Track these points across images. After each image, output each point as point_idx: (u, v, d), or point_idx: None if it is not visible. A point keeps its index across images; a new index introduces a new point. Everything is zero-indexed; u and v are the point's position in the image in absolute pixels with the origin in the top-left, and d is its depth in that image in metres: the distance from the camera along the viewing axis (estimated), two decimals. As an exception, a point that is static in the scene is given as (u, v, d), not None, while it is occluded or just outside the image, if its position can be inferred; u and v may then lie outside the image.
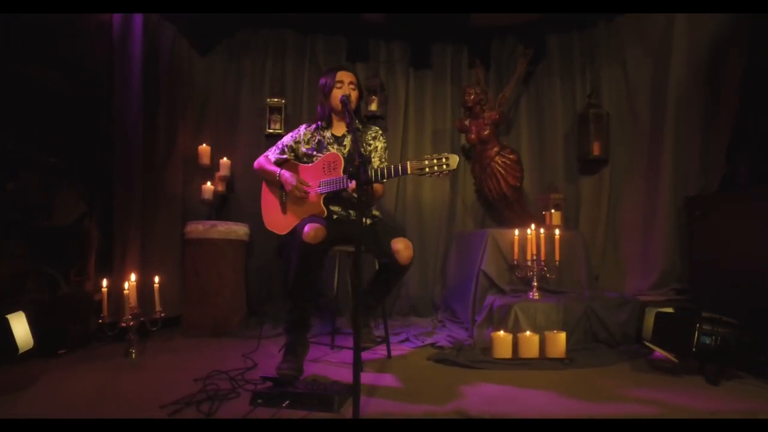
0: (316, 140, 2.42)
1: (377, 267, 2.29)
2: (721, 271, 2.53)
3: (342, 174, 2.22)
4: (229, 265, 3.06)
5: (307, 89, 3.64)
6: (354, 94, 2.31)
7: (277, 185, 2.46)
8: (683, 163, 2.78)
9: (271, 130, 3.45)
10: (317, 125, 2.45)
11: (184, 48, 3.35)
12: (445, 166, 1.92)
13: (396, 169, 2.01)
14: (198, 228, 3.03)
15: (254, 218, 3.31)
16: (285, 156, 2.47)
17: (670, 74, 2.82)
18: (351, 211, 2.34)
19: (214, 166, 3.34)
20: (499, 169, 3.17)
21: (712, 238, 2.63)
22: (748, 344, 2.01)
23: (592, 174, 3.40)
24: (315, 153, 2.39)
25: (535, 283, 2.74)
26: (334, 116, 2.41)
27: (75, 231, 2.65)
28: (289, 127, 3.55)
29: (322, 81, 2.39)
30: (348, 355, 2.40)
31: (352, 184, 2.08)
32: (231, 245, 3.08)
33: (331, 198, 2.30)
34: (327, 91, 2.35)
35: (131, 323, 2.33)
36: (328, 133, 2.41)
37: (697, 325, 2.03)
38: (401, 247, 2.09)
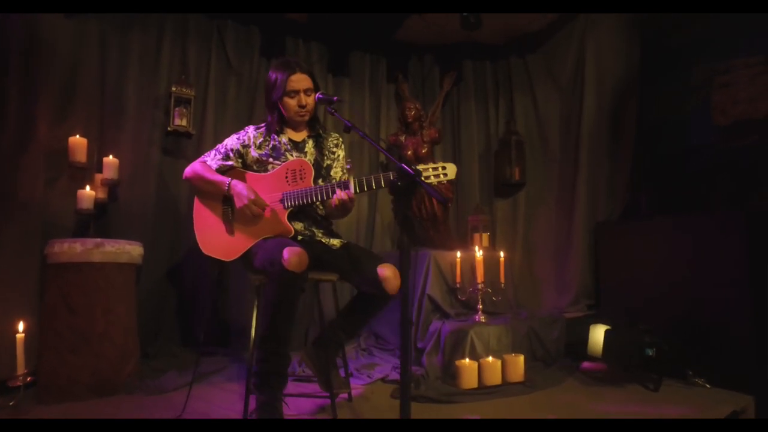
0: (270, 145, 2.00)
1: (355, 296, 1.97)
2: (625, 288, 2.89)
3: (312, 184, 1.88)
4: (120, 296, 2.32)
5: (213, 83, 3.05)
6: (311, 101, 1.96)
7: (218, 198, 1.95)
8: (594, 191, 3.13)
9: (176, 126, 2.77)
10: (267, 127, 2.03)
11: None
12: (443, 176, 1.76)
13: (386, 178, 1.76)
14: (73, 248, 2.22)
15: (145, 235, 2.64)
16: (231, 162, 1.98)
17: (583, 111, 3.16)
18: (316, 230, 1.98)
19: (93, 165, 2.53)
20: (434, 188, 3.11)
21: (617, 258, 2.99)
22: (677, 352, 2.31)
23: (507, 197, 3.59)
24: (271, 160, 1.97)
25: (480, 306, 2.72)
26: (286, 124, 2.04)
27: None
28: (198, 124, 2.93)
29: (272, 77, 1.97)
30: (304, 405, 2.00)
31: (340, 195, 1.75)
32: (122, 271, 2.34)
33: (295, 214, 1.91)
34: (276, 98, 1.96)
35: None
36: (284, 138, 2.02)
37: (643, 339, 2.26)
38: (390, 274, 1.83)
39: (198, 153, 2.92)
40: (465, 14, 2.82)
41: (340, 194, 1.76)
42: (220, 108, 3.07)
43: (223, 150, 2.00)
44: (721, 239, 2.42)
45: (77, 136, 2.47)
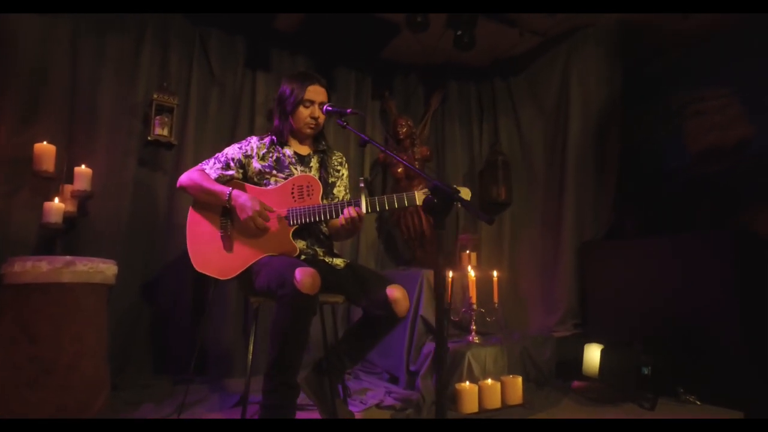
0: (274, 157, 1.89)
1: (361, 319, 1.85)
2: (611, 307, 2.93)
3: (320, 201, 1.78)
4: (91, 321, 2.08)
5: (194, 93, 2.88)
6: (322, 117, 1.89)
7: (217, 210, 1.81)
8: (579, 212, 3.17)
9: (157, 136, 2.58)
10: (272, 139, 1.93)
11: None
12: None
13: (401, 199, 1.70)
14: (38, 267, 1.98)
15: (117, 252, 2.43)
16: (231, 172, 1.85)
17: (569, 135, 3.23)
18: (318, 249, 1.87)
19: (61, 175, 2.30)
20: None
21: (602, 278, 3.04)
22: (673, 370, 2.33)
23: (492, 216, 3.59)
24: (274, 172, 1.85)
25: (474, 327, 2.67)
26: (294, 136, 1.95)
27: None
28: (178, 135, 2.75)
29: (286, 90, 1.90)
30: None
31: (350, 213, 1.66)
32: (94, 292, 2.11)
33: (297, 231, 1.80)
34: (290, 108, 1.88)
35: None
36: (288, 150, 1.92)
37: (640, 358, 2.28)
38: (400, 296, 1.74)
39: (177, 165, 2.75)
40: (459, 33, 2.83)
41: (350, 212, 1.67)
42: (202, 119, 2.90)
43: (223, 159, 1.86)
44: (705, 259, 2.50)
45: (44, 143, 2.24)
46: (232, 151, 1.88)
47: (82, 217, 2.42)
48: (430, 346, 2.60)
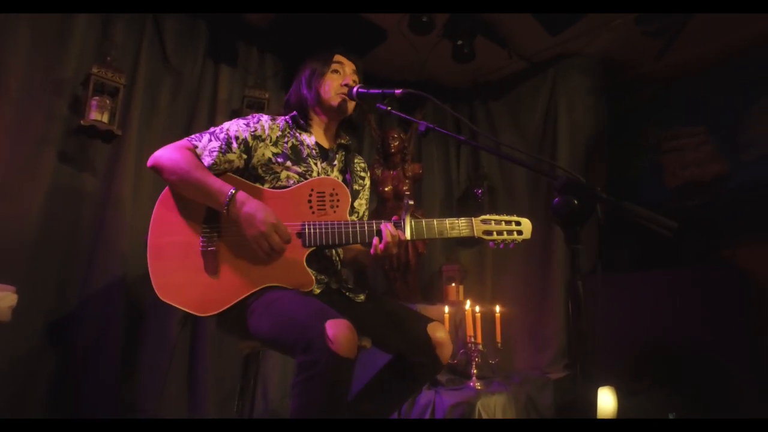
0: (290, 145, 1.43)
1: (390, 367, 1.40)
2: (603, 343, 2.75)
3: (348, 217, 1.35)
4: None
5: (143, 79, 2.30)
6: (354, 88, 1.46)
7: (199, 212, 1.30)
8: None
9: (93, 121, 1.95)
10: (286, 121, 1.47)
11: None
12: (517, 235, 1.41)
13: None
14: None
15: (18, 275, 1.77)
16: (233, 158, 1.35)
17: (557, 164, 3.09)
18: (332, 278, 1.42)
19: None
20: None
21: (593, 313, 2.85)
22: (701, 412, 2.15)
23: (472, 246, 3.32)
24: (289, 164, 1.39)
25: (475, 371, 2.31)
26: (318, 114, 1.50)
27: None
28: (121, 124, 2.14)
29: (308, 65, 1.50)
30: None
31: (387, 235, 1.26)
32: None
33: (308, 257, 1.33)
34: (316, 77, 1.47)
35: None
36: (309, 139, 1.47)
37: (665, 402, 2.07)
38: (444, 338, 1.35)
39: (114, 164, 2.14)
40: (459, 42, 2.59)
41: (389, 232, 1.26)
42: (149, 110, 2.32)
43: (223, 136, 1.35)
44: (695, 293, 2.47)
45: None
46: (236, 127, 1.37)
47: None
48: (428, 396, 2.18)
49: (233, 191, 1.22)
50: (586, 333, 0.88)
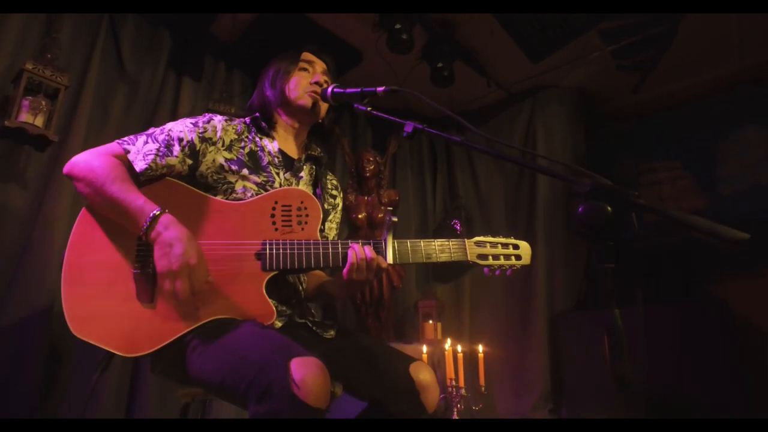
0: (248, 150, 1.21)
1: (366, 419, 1.16)
2: (589, 383, 2.56)
3: (318, 236, 1.15)
4: None
5: (93, 84, 2.06)
6: (325, 88, 1.28)
7: (128, 232, 1.04)
8: (551, 280, 2.83)
9: (21, 123, 1.67)
10: (245, 123, 1.27)
11: None
12: (515, 260, 1.24)
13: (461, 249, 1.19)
14: None
15: None
16: (173, 162, 1.12)
17: (537, 196, 2.98)
18: (294, 309, 1.19)
19: None
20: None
21: (576, 351, 2.68)
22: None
23: (448, 280, 3.13)
24: (245, 172, 1.17)
25: (456, 417, 2.07)
26: (283, 116, 1.30)
27: None
28: (60, 131, 1.88)
29: (273, 65, 1.32)
30: None
31: (353, 261, 1.07)
32: None
33: (268, 284, 1.10)
34: (281, 75, 1.28)
35: None
36: (270, 145, 1.26)
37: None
38: (430, 379, 1.13)
39: (50, 174, 1.87)
40: (439, 65, 2.50)
41: (354, 253, 1.07)
42: (99, 118, 2.08)
43: (162, 138, 1.12)
44: (683, 328, 2.35)
45: None
46: (181, 127, 1.15)
47: None
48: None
49: (157, 212, 0.97)
50: (628, 379, 0.67)
